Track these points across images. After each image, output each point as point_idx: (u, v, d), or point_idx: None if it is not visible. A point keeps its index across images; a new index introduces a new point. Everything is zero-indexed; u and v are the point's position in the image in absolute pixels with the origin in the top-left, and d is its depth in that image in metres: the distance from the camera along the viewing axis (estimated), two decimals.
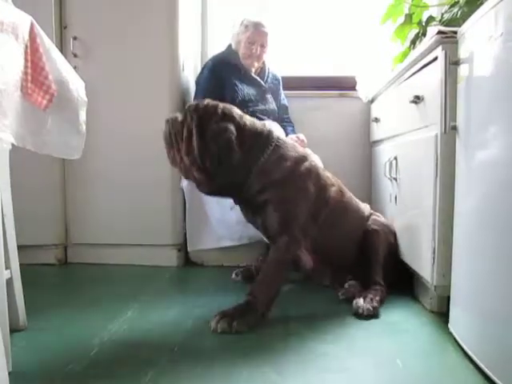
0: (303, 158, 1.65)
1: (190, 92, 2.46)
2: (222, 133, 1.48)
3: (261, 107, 2.34)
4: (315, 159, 2.12)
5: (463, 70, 1.25)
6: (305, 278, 1.93)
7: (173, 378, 1.12)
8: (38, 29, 1.19)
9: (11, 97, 1.08)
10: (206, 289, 1.94)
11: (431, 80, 1.48)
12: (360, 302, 1.55)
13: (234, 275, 2.02)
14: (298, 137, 2.34)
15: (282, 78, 2.58)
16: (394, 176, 1.93)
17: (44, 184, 2.29)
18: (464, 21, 1.28)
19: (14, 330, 1.30)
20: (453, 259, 1.33)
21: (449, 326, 1.35)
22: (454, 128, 1.30)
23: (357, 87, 2.59)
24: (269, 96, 2.44)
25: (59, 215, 2.33)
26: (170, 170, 2.28)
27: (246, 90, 2.30)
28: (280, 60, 2.70)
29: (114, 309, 1.61)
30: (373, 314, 1.51)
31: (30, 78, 1.15)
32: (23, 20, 1.14)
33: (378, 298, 1.57)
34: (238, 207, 1.74)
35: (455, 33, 1.34)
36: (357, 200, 1.87)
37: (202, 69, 2.38)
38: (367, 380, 1.14)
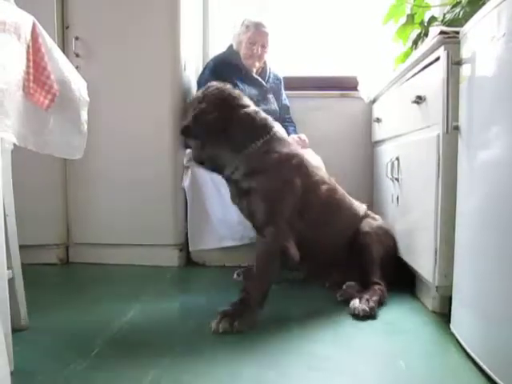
0: (294, 155, 1.67)
1: (191, 92, 2.46)
2: (205, 114, 1.59)
3: (262, 107, 2.32)
4: (317, 160, 2.13)
5: (465, 70, 1.25)
6: (304, 279, 1.93)
7: (174, 378, 1.12)
8: (40, 29, 1.19)
9: (13, 97, 1.07)
10: (207, 289, 1.94)
11: (433, 80, 1.48)
12: (356, 303, 1.54)
13: (235, 275, 2.02)
14: (299, 137, 2.34)
15: (284, 78, 2.58)
16: (396, 176, 1.93)
17: (45, 184, 2.29)
18: (466, 21, 1.28)
19: (15, 329, 1.29)
20: (455, 259, 1.33)
21: (451, 326, 1.35)
22: (456, 128, 1.30)
23: (358, 87, 2.59)
24: (270, 96, 2.44)
25: (61, 215, 2.34)
26: (172, 169, 2.30)
27: (248, 91, 2.30)
28: (282, 60, 2.71)
29: (115, 309, 1.61)
30: (369, 315, 1.50)
31: (32, 77, 1.15)
32: (25, 20, 1.14)
33: (375, 299, 1.57)
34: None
35: (457, 33, 1.33)
36: (351, 200, 1.87)
37: (204, 69, 2.39)
38: (370, 381, 1.13)
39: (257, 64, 2.39)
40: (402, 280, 1.78)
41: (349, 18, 2.75)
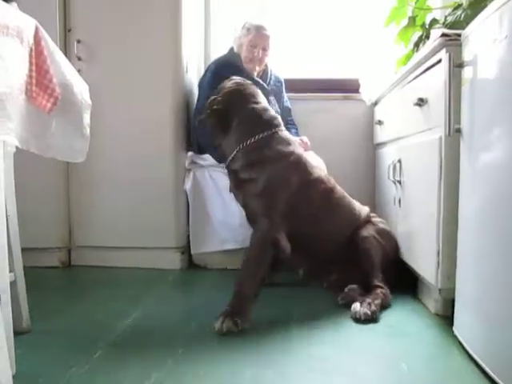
0: (293, 153, 1.70)
1: (193, 93, 2.46)
2: (217, 105, 1.72)
3: None
4: (318, 162, 2.13)
5: (467, 72, 1.25)
6: (304, 280, 1.92)
7: (177, 380, 1.12)
8: (42, 32, 1.19)
9: (16, 100, 1.08)
10: (209, 292, 1.94)
11: (435, 82, 1.48)
12: (357, 306, 1.54)
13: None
14: (301, 139, 2.34)
15: (286, 80, 2.57)
16: (398, 179, 1.93)
17: (48, 186, 2.29)
18: (467, 23, 1.28)
19: (17, 332, 1.30)
20: (457, 262, 1.33)
21: (453, 328, 1.34)
22: (458, 130, 1.30)
23: (360, 90, 2.59)
24: (271, 98, 2.43)
25: (63, 218, 2.34)
26: (174, 172, 2.30)
27: None
28: (284, 62, 2.71)
29: (117, 311, 1.62)
30: (371, 319, 1.50)
31: (34, 81, 1.15)
32: (28, 24, 1.14)
33: (377, 302, 1.56)
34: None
35: (459, 35, 1.33)
36: (352, 201, 1.87)
37: (205, 72, 2.38)
38: (371, 383, 1.13)
39: (257, 68, 2.39)
40: (404, 282, 1.78)
41: (350, 20, 2.75)
